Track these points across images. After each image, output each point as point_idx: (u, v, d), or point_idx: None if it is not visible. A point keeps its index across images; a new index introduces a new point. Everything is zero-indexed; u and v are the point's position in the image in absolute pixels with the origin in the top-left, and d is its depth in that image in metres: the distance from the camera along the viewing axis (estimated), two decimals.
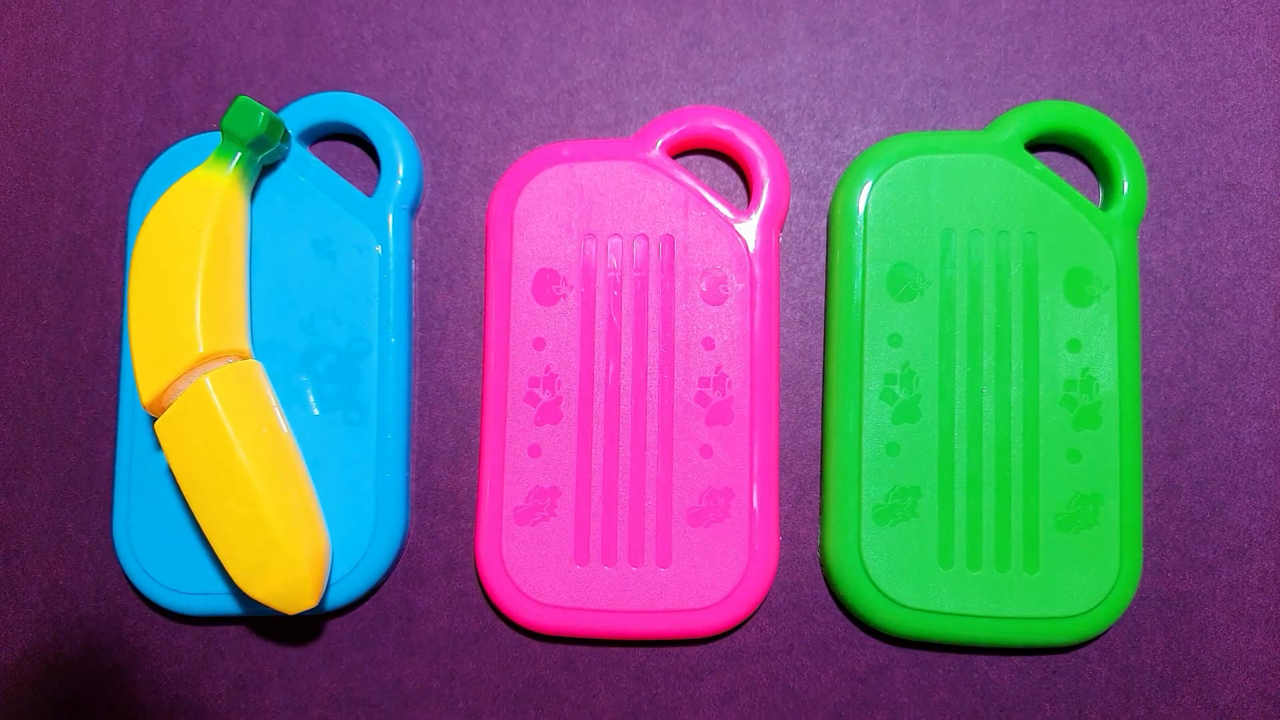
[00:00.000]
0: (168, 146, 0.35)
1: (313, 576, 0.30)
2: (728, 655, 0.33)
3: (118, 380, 0.34)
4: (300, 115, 0.34)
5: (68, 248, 0.35)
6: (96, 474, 0.34)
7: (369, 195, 0.34)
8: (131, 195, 0.34)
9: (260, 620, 0.33)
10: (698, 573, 0.31)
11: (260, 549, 0.29)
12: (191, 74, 0.36)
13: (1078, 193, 0.33)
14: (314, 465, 0.32)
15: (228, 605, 0.32)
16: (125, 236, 0.35)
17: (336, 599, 0.32)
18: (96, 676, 0.33)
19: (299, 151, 0.34)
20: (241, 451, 0.29)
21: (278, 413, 0.32)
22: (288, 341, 0.33)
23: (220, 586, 0.32)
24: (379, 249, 0.33)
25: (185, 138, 0.35)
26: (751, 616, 0.33)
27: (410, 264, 0.34)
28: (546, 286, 0.33)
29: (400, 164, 0.34)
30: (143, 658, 0.33)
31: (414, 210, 0.34)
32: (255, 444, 0.30)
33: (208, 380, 0.29)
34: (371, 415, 0.32)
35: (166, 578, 0.32)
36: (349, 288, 0.33)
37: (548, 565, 0.32)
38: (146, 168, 0.35)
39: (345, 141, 0.35)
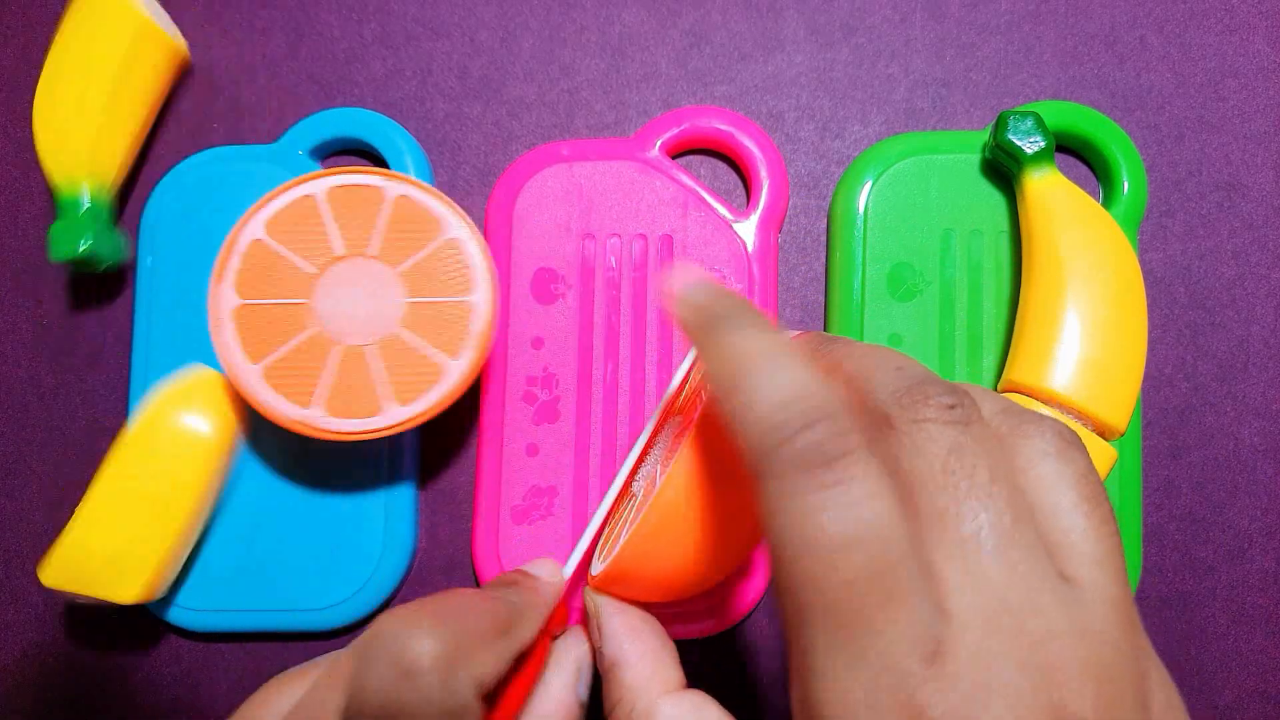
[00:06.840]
0: (167, 147, 0.35)
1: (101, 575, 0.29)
2: (727, 655, 0.33)
3: (118, 381, 0.34)
4: (314, 130, 0.34)
5: None
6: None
7: None
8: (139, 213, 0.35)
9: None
10: None
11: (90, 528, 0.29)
12: (192, 74, 0.36)
13: None
14: (321, 483, 0.32)
15: (234, 622, 0.32)
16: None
17: (343, 618, 0.32)
18: (96, 676, 0.33)
19: (311, 168, 0.34)
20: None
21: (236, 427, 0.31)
22: None
23: (228, 604, 0.32)
24: None
25: (185, 142, 0.35)
26: (749, 616, 0.33)
27: None
28: (545, 286, 0.33)
29: None
30: (143, 658, 0.33)
31: None
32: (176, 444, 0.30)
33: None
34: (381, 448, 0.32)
35: (179, 596, 0.32)
36: None
37: None
38: (154, 185, 0.35)
39: (355, 155, 0.35)
